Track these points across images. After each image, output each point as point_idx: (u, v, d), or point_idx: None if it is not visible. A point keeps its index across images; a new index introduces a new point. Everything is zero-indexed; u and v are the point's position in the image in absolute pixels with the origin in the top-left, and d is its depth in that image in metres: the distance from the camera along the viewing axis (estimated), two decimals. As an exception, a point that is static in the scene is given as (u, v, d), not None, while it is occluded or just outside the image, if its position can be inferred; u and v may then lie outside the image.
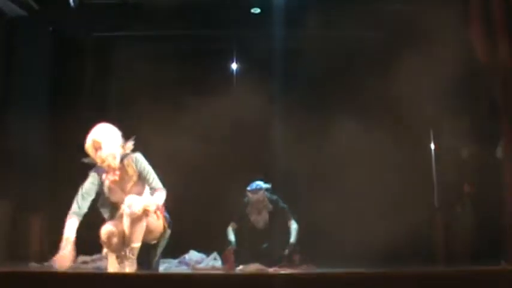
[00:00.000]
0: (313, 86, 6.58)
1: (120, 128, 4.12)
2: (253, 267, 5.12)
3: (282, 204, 5.69)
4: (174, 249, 4.43)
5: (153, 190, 4.06)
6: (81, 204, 3.97)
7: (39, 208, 6.11)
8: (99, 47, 6.89)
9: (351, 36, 6.63)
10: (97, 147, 3.93)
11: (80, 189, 4.03)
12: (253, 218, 5.67)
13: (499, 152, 5.23)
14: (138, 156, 4.11)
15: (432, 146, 6.53)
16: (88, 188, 4.02)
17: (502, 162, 5.14)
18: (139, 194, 4.05)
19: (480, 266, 4.11)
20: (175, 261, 5.75)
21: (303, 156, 6.37)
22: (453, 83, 5.79)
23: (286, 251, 5.48)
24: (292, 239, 5.54)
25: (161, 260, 4.96)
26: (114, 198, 4.08)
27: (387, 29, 6.46)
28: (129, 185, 4.07)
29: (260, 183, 5.65)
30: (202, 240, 5.95)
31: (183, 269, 5.63)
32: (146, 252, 4.08)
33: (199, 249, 6.04)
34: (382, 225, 5.82)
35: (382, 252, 5.51)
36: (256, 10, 6.68)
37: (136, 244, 3.93)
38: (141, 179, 4.07)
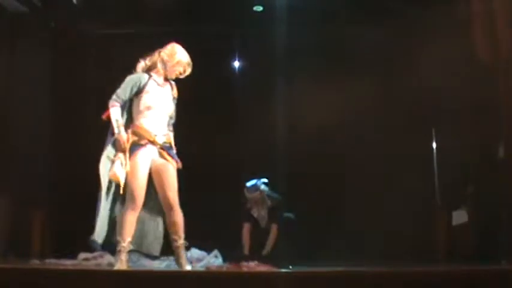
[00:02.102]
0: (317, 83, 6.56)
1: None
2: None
3: (277, 203, 5.68)
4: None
5: (170, 126, 4.26)
6: (122, 92, 4.12)
7: (40, 205, 6.12)
8: (101, 44, 6.89)
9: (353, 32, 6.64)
10: (185, 70, 4.26)
11: (127, 82, 4.15)
12: (257, 215, 5.71)
13: (501, 152, 5.23)
14: None
15: (434, 145, 6.52)
16: (135, 78, 4.17)
17: (503, 162, 5.14)
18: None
19: (481, 265, 4.12)
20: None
21: (309, 154, 6.38)
22: (455, 82, 5.80)
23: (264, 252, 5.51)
24: (267, 248, 5.55)
25: (162, 258, 4.97)
26: (150, 100, 4.13)
27: (389, 24, 6.46)
28: (165, 101, 4.20)
29: (258, 182, 5.64)
30: (203, 238, 5.95)
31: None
32: None
33: (200, 247, 6.05)
34: (383, 224, 5.83)
35: (382, 250, 5.53)
36: (259, 8, 6.67)
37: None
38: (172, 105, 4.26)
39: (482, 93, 5.34)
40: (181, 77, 4.31)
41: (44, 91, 6.37)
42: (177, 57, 4.26)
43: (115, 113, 4.06)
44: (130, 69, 6.40)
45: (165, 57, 4.24)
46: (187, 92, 4.44)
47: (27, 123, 6.09)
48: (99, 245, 4.12)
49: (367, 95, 6.29)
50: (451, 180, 6.06)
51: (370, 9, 6.24)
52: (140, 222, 4.15)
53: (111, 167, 4.00)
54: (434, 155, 6.46)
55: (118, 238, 3.99)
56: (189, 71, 4.29)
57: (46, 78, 6.42)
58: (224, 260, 5.59)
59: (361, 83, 6.26)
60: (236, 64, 7.21)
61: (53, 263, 5.38)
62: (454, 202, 5.95)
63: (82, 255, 5.52)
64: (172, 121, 4.28)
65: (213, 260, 5.80)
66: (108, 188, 4.08)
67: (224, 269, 4.61)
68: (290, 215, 5.73)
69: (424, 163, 6.37)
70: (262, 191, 5.59)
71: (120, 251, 3.96)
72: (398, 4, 6.22)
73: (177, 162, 4.15)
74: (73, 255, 5.59)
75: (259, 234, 5.63)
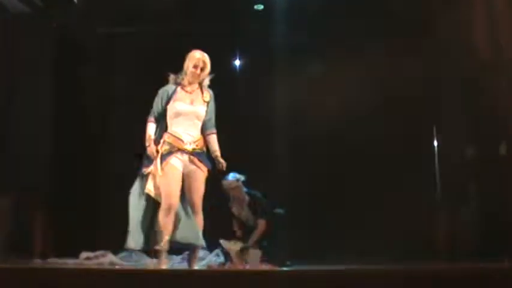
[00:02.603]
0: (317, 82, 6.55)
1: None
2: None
3: (258, 199, 5.67)
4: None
5: (211, 131, 4.43)
6: (155, 106, 4.38)
7: (42, 204, 6.13)
8: (102, 43, 6.90)
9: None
10: (203, 67, 4.37)
11: (157, 96, 4.41)
12: (237, 213, 5.70)
13: (502, 150, 5.23)
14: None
15: (435, 143, 6.52)
16: (163, 89, 4.40)
17: (506, 160, 5.14)
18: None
19: (484, 264, 4.11)
20: (179, 257, 5.76)
21: (309, 152, 6.37)
22: (457, 81, 5.80)
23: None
24: (250, 241, 5.52)
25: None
26: (179, 106, 4.32)
27: (389, 23, 6.45)
28: (194, 106, 4.35)
29: (235, 174, 5.69)
30: (204, 237, 5.95)
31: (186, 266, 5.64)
32: None
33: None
34: (385, 222, 5.83)
35: (384, 249, 5.53)
36: (260, 7, 6.67)
37: None
38: (206, 112, 4.40)
39: (484, 92, 5.34)
40: (205, 75, 4.41)
41: (45, 90, 6.37)
42: (190, 56, 4.40)
43: (149, 129, 4.36)
44: (131, 68, 6.44)
45: (184, 65, 4.41)
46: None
47: (28, 123, 6.09)
48: (135, 250, 4.48)
49: (368, 92, 6.28)
50: (453, 178, 6.05)
51: (370, 6, 6.24)
52: (179, 219, 4.35)
53: (145, 183, 4.30)
54: (436, 152, 6.46)
55: (157, 239, 4.23)
56: (208, 67, 4.40)
57: (47, 78, 6.42)
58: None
59: (362, 81, 6.25)
60: (236, 63, 7.20)
61: (55, 262, 5.39)
62: (456, 200, 5.95)
63: (84, 254, 5.53)
64: (210, 124, 4.44)
65: (215, 259, 5.81)
66: (139, 198, 4.32)
67: (226, 267, 4.62)
68: (280, 210, 5.72)
69: (426, 160, 6.37)
70: (239, 179, 5.63)
71: (159, 251, 4.20)
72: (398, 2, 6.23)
73: (206, 166, 4.36)
74: (75, 255, 5.60)
75: (246, 232, 5.62)
